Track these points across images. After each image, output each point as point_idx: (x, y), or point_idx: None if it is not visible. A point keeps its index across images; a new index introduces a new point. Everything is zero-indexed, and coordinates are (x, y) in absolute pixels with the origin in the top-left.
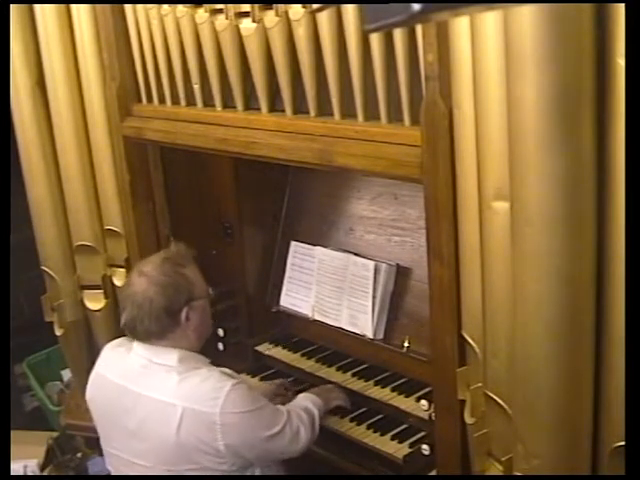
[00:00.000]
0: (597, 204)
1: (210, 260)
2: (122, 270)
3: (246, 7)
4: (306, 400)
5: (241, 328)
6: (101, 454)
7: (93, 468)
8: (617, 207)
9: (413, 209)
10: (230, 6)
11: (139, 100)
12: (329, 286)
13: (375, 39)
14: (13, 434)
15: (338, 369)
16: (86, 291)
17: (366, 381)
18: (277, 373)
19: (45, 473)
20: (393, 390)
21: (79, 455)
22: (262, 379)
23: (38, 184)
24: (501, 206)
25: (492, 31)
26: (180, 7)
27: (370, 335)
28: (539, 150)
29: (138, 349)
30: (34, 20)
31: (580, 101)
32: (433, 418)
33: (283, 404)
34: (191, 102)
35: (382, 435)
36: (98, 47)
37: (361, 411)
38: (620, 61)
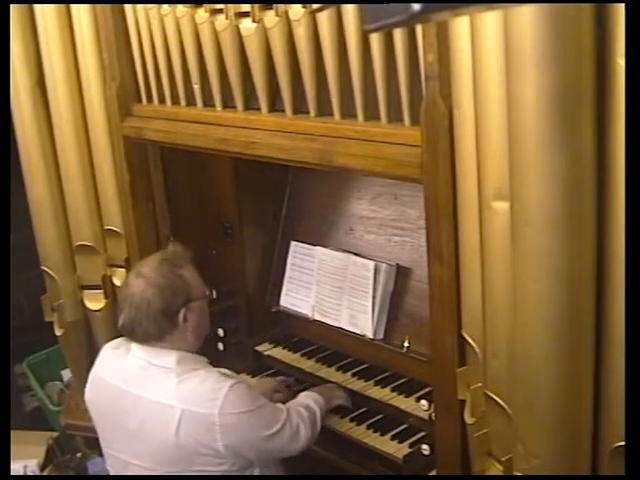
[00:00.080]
0: (597, 204)
1: (210, 260)
2: (122, 270)
3: (246, 7)
4: (307, 398)
5: (241, 328)
6: (101, 454)
7: (93, 468)
8: (617, 207)
9: (413, 209)
10: (230, 6)
11: (139, 100)
12: (329, 286)
13: (375, 39)
14: (13, 434)
15: (338, 369)
16: (86, 291)
17: (366, 381)
18: (277, 373)
19: (45, 473)
20: (393, 390)
21: (79, 455)
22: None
23: (38, 184)
24: (501, 206)
25: (492, 31)
26: (180, 7)
27: (370, 335)
28: (539, 150)
29: (136, 351)
30: (34, 20)
31: (580, 101)
32: (433, 418)
33: (284, 402)
34: (191, 102)
35: (382, 435)
36: (98, 47)
37: (361, 411)
38: (620, 61)
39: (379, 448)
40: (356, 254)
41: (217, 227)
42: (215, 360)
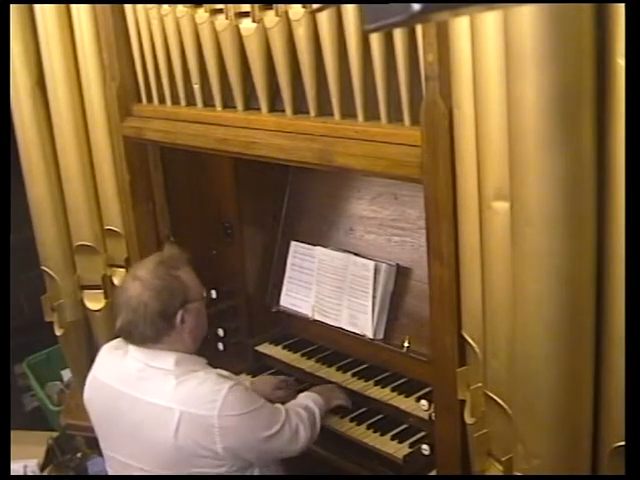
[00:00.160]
0: (597, 204)
1: (210, 260)
2: (122, 270)
3: (246, 7)
4: (307, 399)
5: (241, 328)
6: (101, 454)
7: (93, 468)
8: (617, 207)
9: (413, 209)
10: (230, 6)
11: (139, 100)
12: (329, 286)
13: (375, 39)
14: (13, 434)
15: (338, 369)
16: (86, 291)
17: (366, 381)
18: (277, 373)
19: (45, 473)
20: (393, 390)
21: (79, 455)
22: None
23: (38, 184)
24: (501, 206)
25: (492, 31)
26: (180, 7)
27: (370, 335)
28: (539, 150)
29: (134, 353)
30: (34, 20)
31: (580, 101)
32: (433, 418)
33: (285, 400)
34: (191, 102)
35: (382, 435)
36: (98, 47)
37: (361, 411)
38: (620, 61)
39: (379, 448)
40: (356, 254)
41: (217, 227)
42: (215, 360)
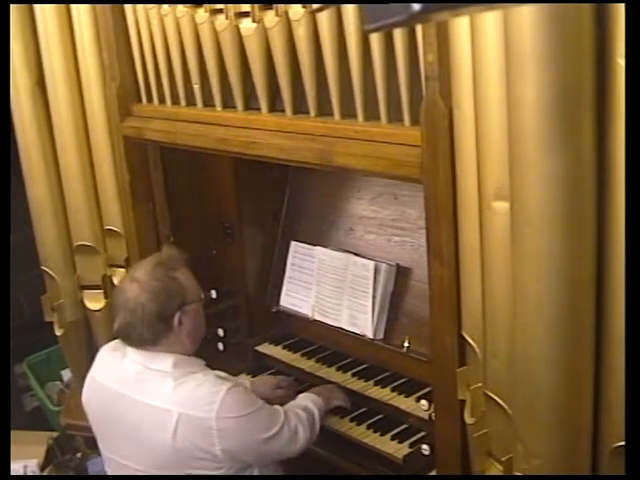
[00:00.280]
0: (597, 204)
1: (210, 260)
2: (122, 270)
3: (246, 7)
4: (306, 400)
5: (241, 328)
6: (101, 454)
7: (93, 468)
8: (617, 207)
9: (413, 209)
10: (230, 6)
11: (139, 100)
12: (329, 286)
13: (375, 39)
14: (13, 434)
15: (338, 369)
16: (86, 291)
17: (366, 381)
18: (277, 373)
19: (45, 473)
20: (393, 390)
21: (79, 455)
22: None
23: (38, 184)
24: (501, 206)
25: (492, 31)
26: (180, 7)
27: (370, 335)
28: (539, 150)
29: (132, 355)
30: (34, 20)
31: (580, 101)
32: (433, 418)
33: (283, 403)
34: (191, 102)
35: (382, 435)
36: (98, 47)
37: (361, 411)
38: (620, 61)
39: (379, 448)
40: (356, 254)
41: (217, 227)
42: (215, 360)
